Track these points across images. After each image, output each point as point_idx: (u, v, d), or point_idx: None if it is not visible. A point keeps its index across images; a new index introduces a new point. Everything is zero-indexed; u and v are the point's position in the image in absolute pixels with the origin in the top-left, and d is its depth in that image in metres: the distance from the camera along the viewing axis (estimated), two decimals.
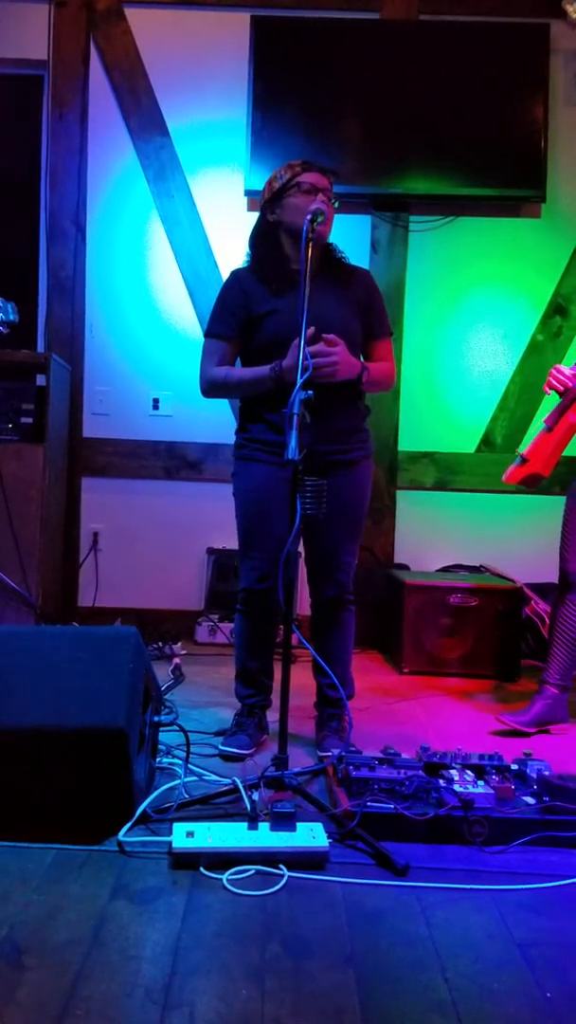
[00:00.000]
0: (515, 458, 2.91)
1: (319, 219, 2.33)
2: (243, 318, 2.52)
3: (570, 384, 2.81)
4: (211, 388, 2.59)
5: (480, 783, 2.08)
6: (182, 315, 4.23)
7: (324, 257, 2.57)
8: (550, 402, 2.91)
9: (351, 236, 3.93)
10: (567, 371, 2.83)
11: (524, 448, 2.89)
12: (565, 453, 2.86)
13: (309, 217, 2.30)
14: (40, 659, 2.06)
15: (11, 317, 3.65)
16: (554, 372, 2.86)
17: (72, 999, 1.36)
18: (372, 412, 2.71)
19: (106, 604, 4.19)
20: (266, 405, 2.53)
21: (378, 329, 2.62)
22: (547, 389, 2.87)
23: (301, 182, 2.46)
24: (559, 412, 2.84)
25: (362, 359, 2.59)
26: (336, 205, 2.50)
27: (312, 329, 2.24)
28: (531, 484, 2.88)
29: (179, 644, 3.82)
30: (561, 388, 2.83)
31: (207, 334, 2.60)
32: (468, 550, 4.17)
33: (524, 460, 2.86)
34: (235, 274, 2.60)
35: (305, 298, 2.20)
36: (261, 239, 2.58)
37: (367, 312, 2.59)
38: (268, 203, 2.52)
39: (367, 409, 2.66)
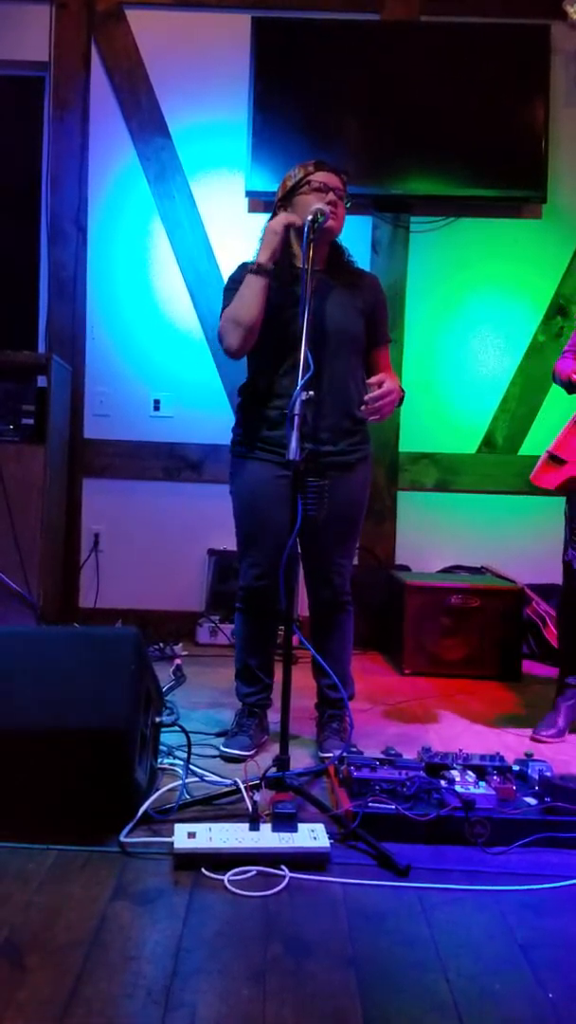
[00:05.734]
0: (549, 459, 2.53)
1: (320, 219, 2.35)
2: None
3: None
4: (223, 330, 2.47)
5: (481, 784, 2.08)
6: (183, 316, 4.23)
7: (332, 258, 2.58)
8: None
9: (352, 236, 3.80)
10: None
11: (560, 449, 2.51)
12: None
13: (310, 217, 2.33)
14: (41, 660, 2.06)
15: None
16: None
17: (73, 1000, 1.36)
18: None
19: (107, 605, 4.18)
20: (261, 401, 2.53)
21: (380, 336, 2.62)
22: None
23: (312, 180, 2.47)
24: None
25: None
26: (348, 204, 2.52)
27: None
28: (572, 487, 2.51)
29: (180, 645, 3.82)
30: None
31: (222, 311, 2.52)
32: (469, 551, 4.16)
33: (561, 461, 2.49)
34: (243, 265, 2.52)
35: (307, 296, 2.22)
36: None
37: (371, 318, 2.58)
38: (281, 200, 2.54)
39: None
